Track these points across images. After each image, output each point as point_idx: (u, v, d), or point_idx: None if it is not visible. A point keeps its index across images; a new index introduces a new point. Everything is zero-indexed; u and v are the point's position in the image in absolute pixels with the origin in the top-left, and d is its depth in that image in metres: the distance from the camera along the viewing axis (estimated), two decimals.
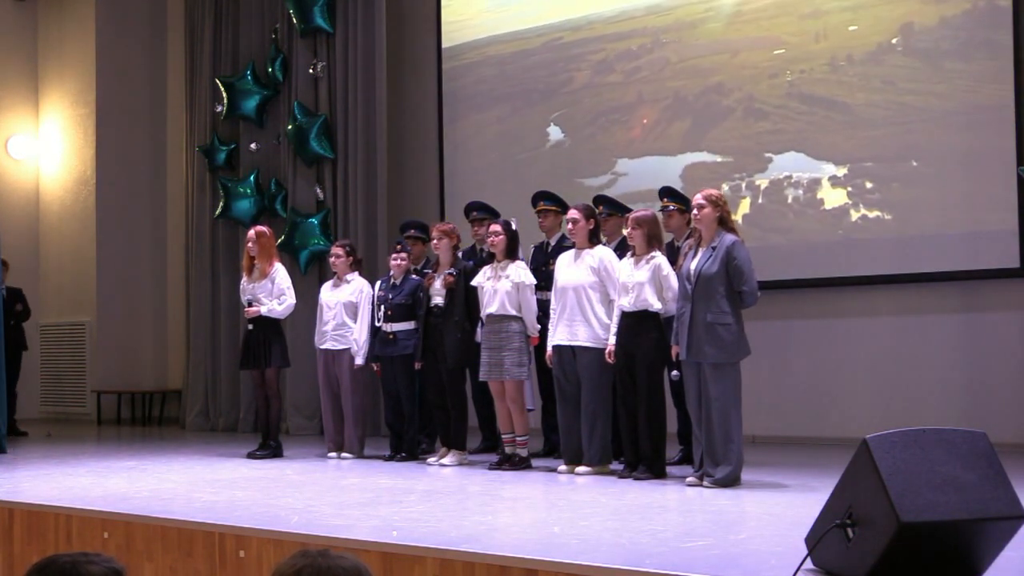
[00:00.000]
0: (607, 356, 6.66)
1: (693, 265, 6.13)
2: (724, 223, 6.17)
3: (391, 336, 7.84)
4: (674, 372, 6.52)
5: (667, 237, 7.30)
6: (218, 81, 11.16)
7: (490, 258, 7.33)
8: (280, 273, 8.28)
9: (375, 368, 8.06)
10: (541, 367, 7.50)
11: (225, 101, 11.01)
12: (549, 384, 7.32)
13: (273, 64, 10.86)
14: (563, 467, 6.89)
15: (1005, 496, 3.59)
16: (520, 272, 7.18)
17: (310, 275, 10.27)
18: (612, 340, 6.65)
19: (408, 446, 7.86)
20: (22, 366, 11.10)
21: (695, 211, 6.20)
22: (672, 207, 7.27)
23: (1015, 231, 7.92)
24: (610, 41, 9.76)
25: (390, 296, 7.89)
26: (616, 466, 6.80)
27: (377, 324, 7.93)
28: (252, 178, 10.90)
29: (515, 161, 10.23)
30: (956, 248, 8.16)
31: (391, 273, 8.00)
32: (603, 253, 6.90)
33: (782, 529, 4.76)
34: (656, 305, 6.50)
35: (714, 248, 6.09)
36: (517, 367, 7.12)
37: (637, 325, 6.52)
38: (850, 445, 4.00)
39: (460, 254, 7.91)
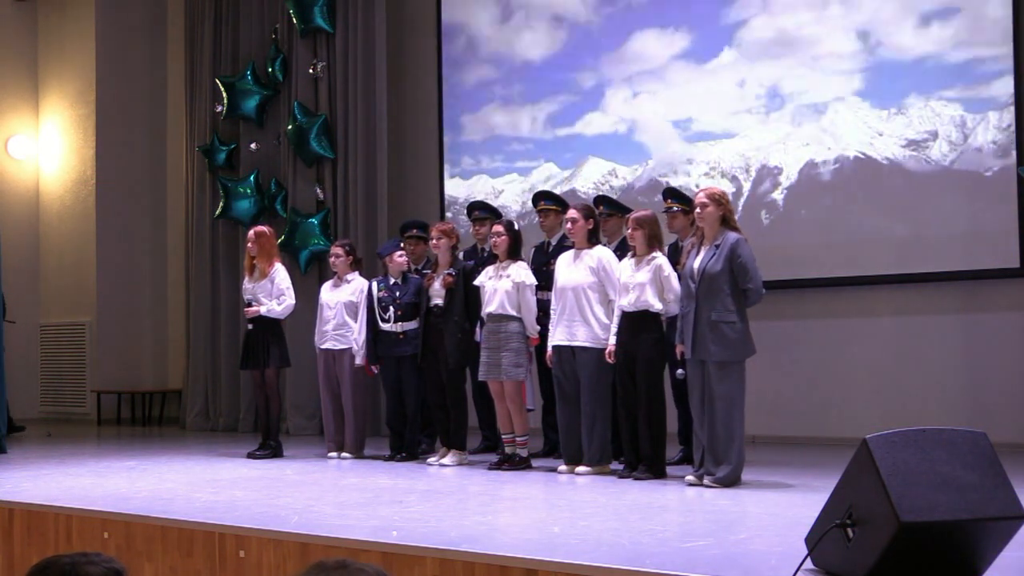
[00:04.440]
0: (607, 356, 6.65)
1: (696, 264, 6.13)
2: (727, 221, 6.16)
3: (402, 335, 7.83)
4: (679, 371, 6.50)
5: (671, 238, 7.30)
6: (218, 81, 11.16)
7: (491, 258, 7.33)
8: (280, 273, 8.27)
9: (374, 369, 8.05)
10: (542, 367, 7.50)
11: (225, 101, 11.01)
12: (549, 384, 7.32)
13: (273, 64, 10.86)
14: (563, 467, 6.89)
15: (1005, 496, 3.59)
16: (521, 272, 7.17)
17: (310, 275, 10.26)
18: (612, 340, 6.65)
19: (408, 446, 7.86)
20: (7, 366, 10.99)
21: (698, 209, 6.19)
22: (676, 208, 7.26)
23: (1015, 231, 7.92)
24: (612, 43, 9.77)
25: (397, 295, 7.88)
26: (616, 466, 6.80)
27: (383, 325, 7.91)
28: (252, 178, 10.90)
29: (516, 160, 10.23)
30: (956, 248, 8.16)
31: (389, 273, 8.00)
32: (602, 253, 6.90)
33: (782, 529, 4.75)
34: (657, 306, 6.49)
35: (718, 246, 6.09)
36: (515, 367, 7.12)
37: (637, 325, 6.52)
38: (850, 445, 4.00)
39: (461, 254, 7.90)
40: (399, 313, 7.86)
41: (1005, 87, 7.98)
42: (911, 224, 8.34)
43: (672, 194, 7.39)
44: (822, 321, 8.76)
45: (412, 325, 7.82)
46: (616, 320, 6.66)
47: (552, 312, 7.00)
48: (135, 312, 12.51)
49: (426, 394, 7.81)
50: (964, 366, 8.15)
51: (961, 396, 8.10)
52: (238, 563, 4.96)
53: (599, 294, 6.80)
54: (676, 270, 6.53)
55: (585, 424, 6.76)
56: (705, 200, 6.17)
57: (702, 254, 6.15)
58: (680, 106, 9.37)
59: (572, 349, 6.82)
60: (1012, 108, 7.94)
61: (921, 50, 8.34)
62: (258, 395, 8.45)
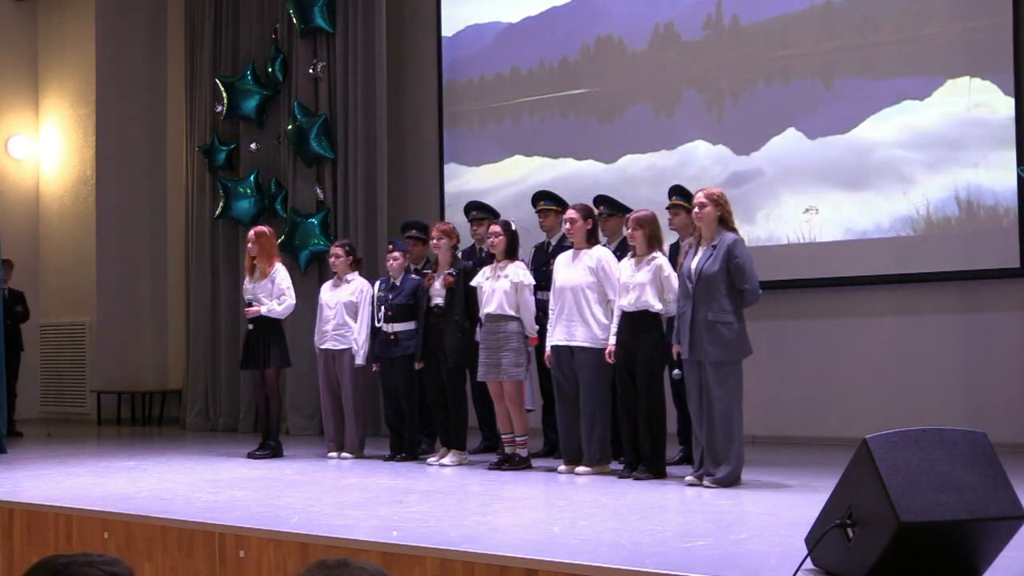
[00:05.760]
0: (607, 356, 6.65)
1: (694, 264, 6.14)
2: (725, 222, 6.17)
3: (392, 337, 7.84)
4: (676, 371, 6.52)
5: (673, 236, 7.27)
6: (218, 81, 11.16)
7: (490, 258, 7.33)
8: (280, 273, 8.27)
9: (374, 368, 8.06)
10: (542, 367, 7.50)
11: (225, 101, 11.01)
12: (549, 384, 7.32)
13: (273, 64, 10.86)
14: (563, 467, 6.89)
15: (1005, 496, 3.59)
16: (519, 272, 7.17)
17: (310, 275, 10.26)
18: (612, 340, 6.65)
19: (408, 446, 7.87)
20: (20, 367, 11.10)
21: (696, 209, 6.19)
22: (680, 205, 7.19)
23: (1015, 231, 7.92)
24: (614, 37, 9.77)
25: (390, 296, 7.89)
26: (616, 466, 6.80)
27: (377, 324, 7.94)
28: (252, 178, 10.90)
29: (516, 160, 10.23)
30: (956, 248, 8.16)
31: (390, 273, 8.01)
32: (601, 253, 6.89)
33: (782, 529, 4.75)
34: (657, 306, 6.49)
35: (715, 247, 6.09)
36: (515, 367, 7.12)
37: (637, 325, 6.52)
38: (850, 445, 4.00)
39: (460, 254, 7.90)
40: (389, 314, 7.86)
41: (1005, 87, 7.97)
42: (911, 224, 8.34)
43: (678, 191, 7.34)
44: (822, 321, 8.76)
45: (403, 327, 7.82)
46: (616, 320, 6.66)
47: (551, 312, 7.00)
48: (135, 312, 12.51)
49: (426, 394, 7.82)
50: (964, 366, 8.15)
51: (961, 396, 8.10)
52: (238, 563, 4.96)
53: (598, 294, 6.80)
54: (675, 270, 6.53)
55: (585, 424, 6.76)
56: (703, 200, 6.17)
57: (699, 254, 6.15)
58: (680, 104, 9.37)
59: (571, 349, 6.82)
60: (1012, 108, 7.93)
61: (922, 50, 8.34)
62: (258, 395, 8.46)
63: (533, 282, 7.24)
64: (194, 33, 11.75)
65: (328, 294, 8.26)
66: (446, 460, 7.46)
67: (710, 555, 4.18)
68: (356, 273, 8.26)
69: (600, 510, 5.46)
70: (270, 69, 10.88)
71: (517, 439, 7.19)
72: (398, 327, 7.83)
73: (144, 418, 12.08)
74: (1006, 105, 7.97)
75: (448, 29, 10.72)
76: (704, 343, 6.04)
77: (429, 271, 7.79)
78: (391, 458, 7.85)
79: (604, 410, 6.75)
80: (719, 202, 6.16)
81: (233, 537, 5.01)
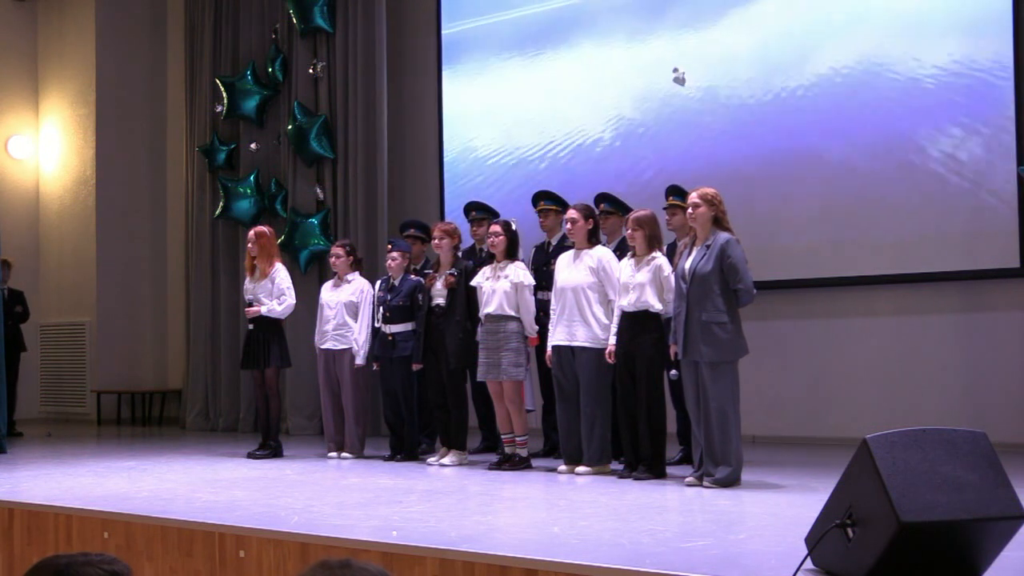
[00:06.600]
0: (607, 356, 6.65)
1: (688, 264, 6.14)
2: (719, 222, 6.16)
3: (390, 338, 7.84)
4: (673, 372, 6.53)
5: (671, 236, 7.28)
6: (218, 81, 11.16)
7: (490, 258, 7.33)
8: (280, 273, 8.28)
9: (375, 367, 8.07)
10: (542, 367, 7.50)
11: (225, 101, 11.02)
12: (549, 384, 7.32)
13: (273, 64, 10.87)
14: (563, 467, 6.89)
15: (1005, 496, 3.59)
16: (519, 272, 7.17)
17: (310, 275, 10.27)
18: (612, 340, 6.65)
19: (408, 446, 7.87)
20: (20, 367, 11.11)
21: (690, 210, 6.19)
22: (677, 205, 7.20)
23: (1015, 231, 7.92)
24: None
25: (388, 297, 7.90)
26: (616, 466, 6.80)
27: (377, 325, 7.95)
28: (252, 178, 10.91)
29: (516, 160, 10.23)
30: (956, 248, 8.16)
31: (390, 274, 8.02)
32: (601, 253, 6.90)
33: (782, 529, 4.76)
34: (657, 306, 6.49)
35: (708, 247, 6.09)
36: (514, 367, 7.12)
37: (637, 325, 6.52)
38: (850, 445, 4.00)
39: (460, 254, 7.91)
40: (387, 315, 7.87)
41: (1005, 87, 7.97)
42: (911, 224, 8.34)
43: (675, 191, 7.35)
44: (822, 321, 8.76)
45: (401, 328, 7.82)
46: (616, 320, 6.66)
47: (552, 312, 7.00)
48: (135, 312, 12.51)
49: (426, 394, 7.82)
50: (964, 366, 8.15)
51: (961, 396, 8.10)
52: (238, 563, 4.96)
53: (599, 294, 6.80)
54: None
55: (585, 424, 6.76)
56: (697, 200, 6.17)
57: (693, 254, 6.15)
58: (680, 106, 9.37)
59: (572, 349, 6.82)
60: (1012, 108, 7.93)
61: (922, 50, 8.33)
62: (258, 395, 8.46)
63: (533, 282, 7.24)
64: (194, 33, 11.75)
65: (328, 294, 8.26)
66: (446, 460, 7.46)
67: (710, 555, 4.18)
68: (356, 273, 8.27)
69: (600, 510, 5.46)
70: (270, 69, 10.88)
71: (517, 439, 7.19)
72: (395, 328, 7.84)
73: (144, 418, 12.08)
74: (1006, 105, 7.96)
75: (448, 29, 10.72)
76: (699, 343, 6.04)
77: (429, 271, 7.79)
78: (391, 458, 7.85)
79: (604, 410, 6.75)
80: (713, 202, 6.15)
81: (233, 537, 5.01)
